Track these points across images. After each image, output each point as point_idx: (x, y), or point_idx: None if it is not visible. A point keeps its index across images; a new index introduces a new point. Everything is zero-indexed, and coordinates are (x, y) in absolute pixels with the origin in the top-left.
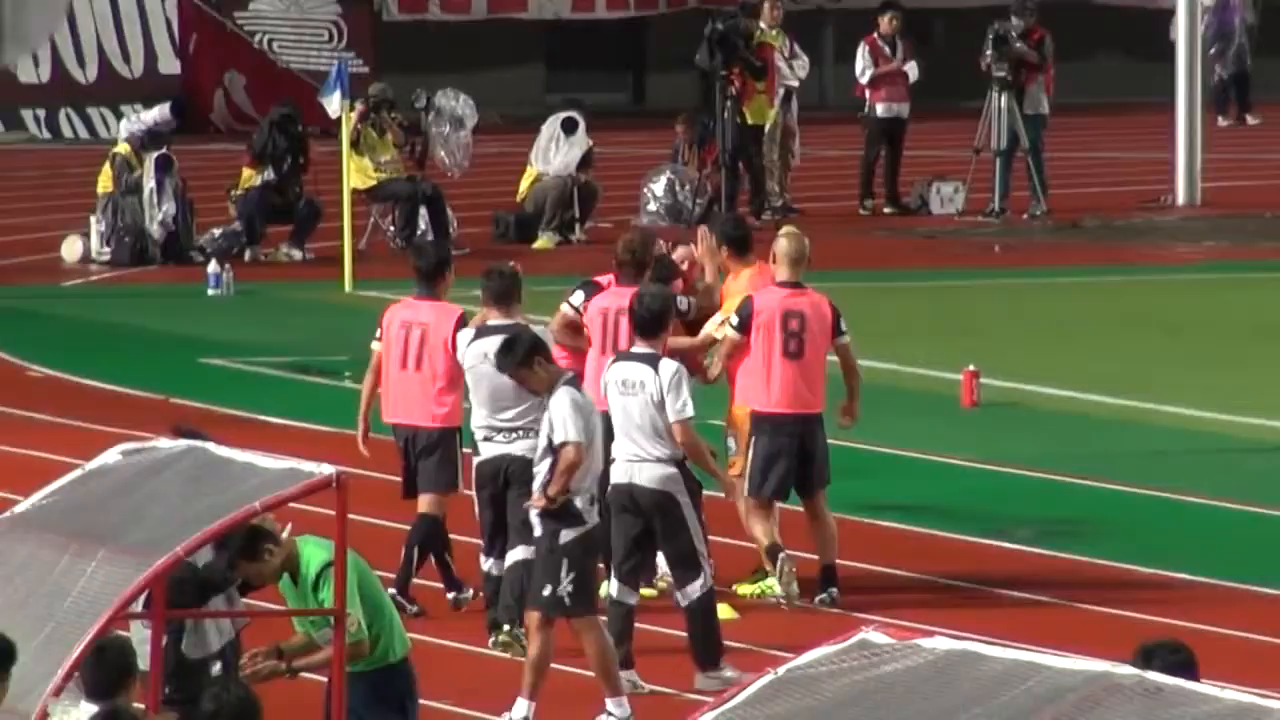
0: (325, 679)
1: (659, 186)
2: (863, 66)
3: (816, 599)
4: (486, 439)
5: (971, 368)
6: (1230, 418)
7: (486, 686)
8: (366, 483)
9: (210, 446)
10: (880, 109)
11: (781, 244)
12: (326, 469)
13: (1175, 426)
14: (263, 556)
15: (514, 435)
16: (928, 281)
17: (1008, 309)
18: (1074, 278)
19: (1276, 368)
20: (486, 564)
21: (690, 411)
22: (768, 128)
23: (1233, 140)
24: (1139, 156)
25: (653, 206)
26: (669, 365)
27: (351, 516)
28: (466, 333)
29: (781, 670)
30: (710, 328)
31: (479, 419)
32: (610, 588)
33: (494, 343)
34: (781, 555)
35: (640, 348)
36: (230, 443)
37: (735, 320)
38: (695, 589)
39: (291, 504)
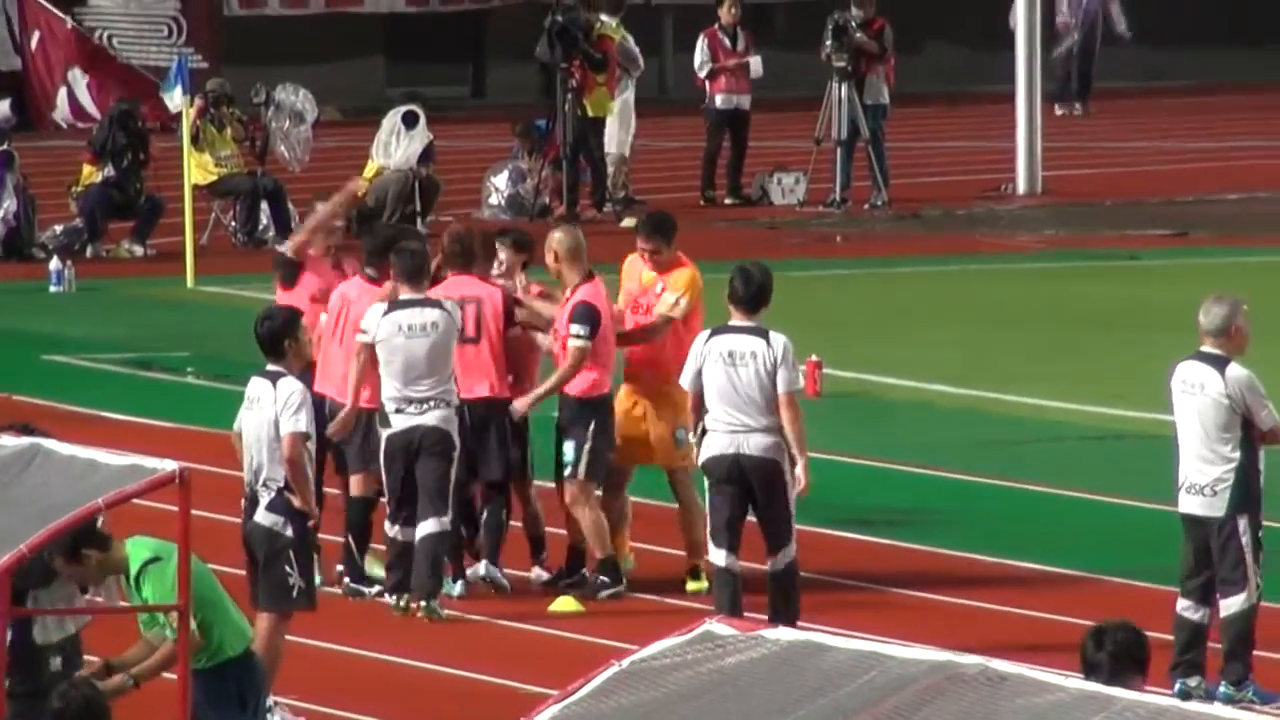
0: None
1: (500, 179)
2: (702, 59)
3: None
4: (398, 410)
5: (814, 358)
6: (1070, 406)
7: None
8: (209, 478)
9: (51, 443)
10: (720, 100)
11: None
12: (169, 465)
13: (1016, 415)
14: (80, 558)
15: (426, 406)
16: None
17: (850, 299)
18: (915, 267)
19: (1115, 356)
20: (392, 530)
21: (801, 383)
22: (608, 120)
23: (1071, 129)
24: (979, 146)
25: (494, 199)
26: (779, 337)
27: (195, 512)
28: (378, 307)
29: (626, 662)
30: (662, 308)
31: (391, 391)
32: (717, 557)
33: (407, 316)
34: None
35: (742, 320)
36: (72, 439)
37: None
38: (785, 557)
39: (135, 500)
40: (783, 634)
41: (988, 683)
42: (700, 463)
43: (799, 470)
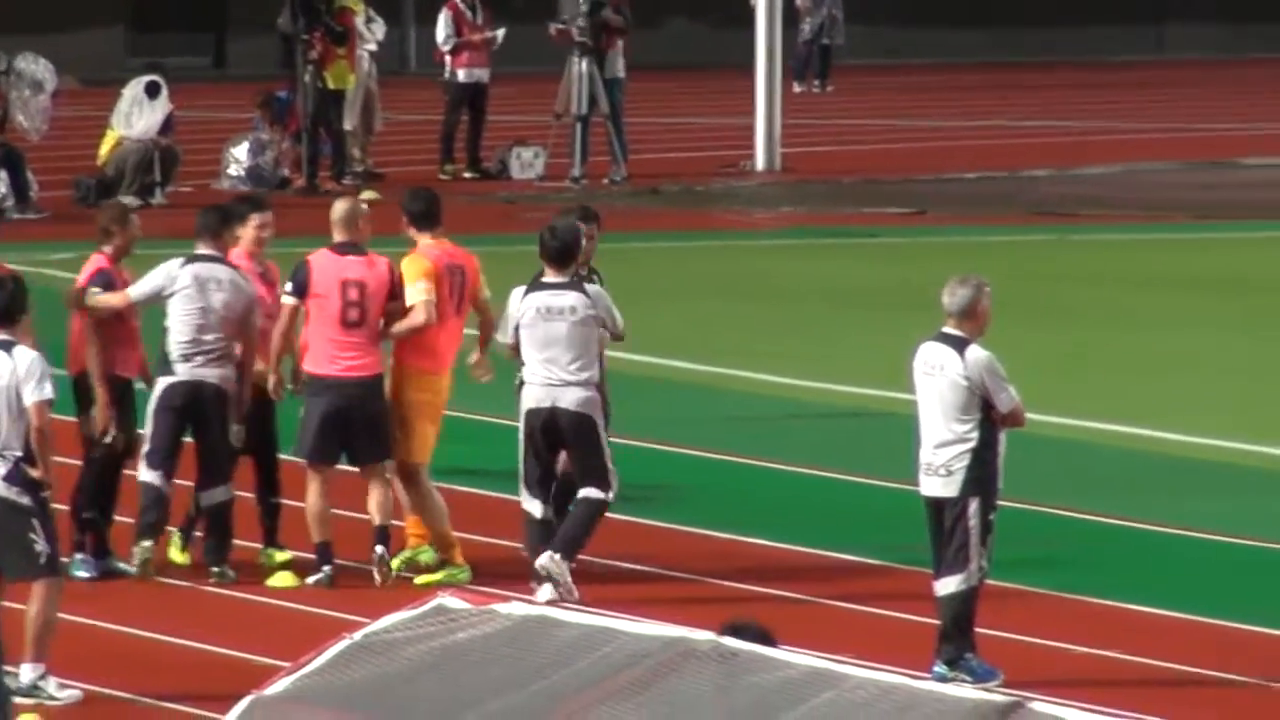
0: None
1: (240, 150)
2: (446, 33)
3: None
4: (185, 357)
5: None
6: (806, 383)
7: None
8: None
9: None
10: (462, 74)
11: (335, 207)
12: None
13: (752, 392)
14: None
15: (209, 359)
16: (508, 247)
17: None
18: (654, 243)
19: (851, 334)
20: (148, 475)
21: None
22: (348, 92)
23: (810, 107)
24: (719, 122)
25: (234, 170)
26: (594, 288)
27: None
28: (174, 262)
29: (358, 635)
30: (418, 296)
31: (181, 336)
32: (532, 507)
33: (207, 269)
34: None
35: (555, 276)
36: None
37: (290, 286)
38: (597, 495)
39: None
40: (515, 609)
41: (720, 659)
42: (521, 415)
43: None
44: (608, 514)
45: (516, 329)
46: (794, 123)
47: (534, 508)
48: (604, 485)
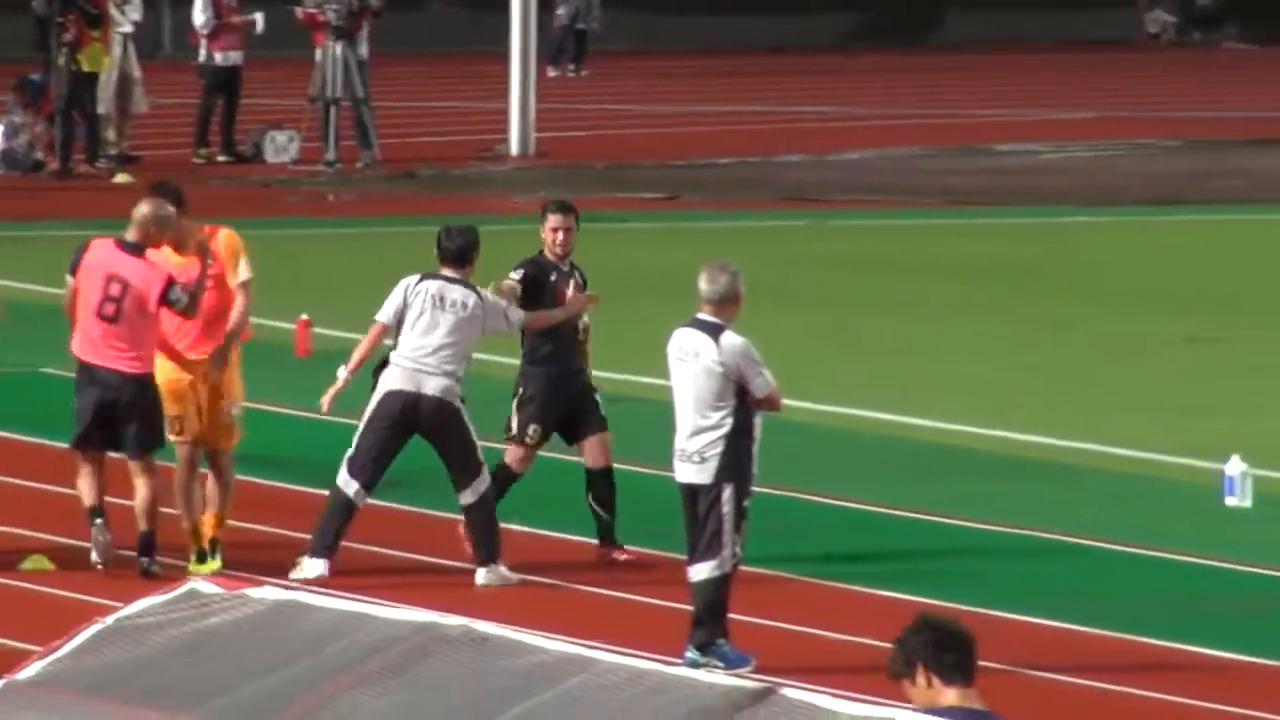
0: None
1: None
2: (205, 17)
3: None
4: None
5: (304, 317)
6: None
7: None
8: None
9: None
10: (219, 57)
11: (138, 206)
12: None
13: (502, 378)
14: None
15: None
16: (262, 230)
17: (342, 259)
18: (408, 227)
19: (603, 319)
20: None
21: (511, 323)
22: (103, 75)
23: (565, 91)
24: (474, 106)
25: None
26: (486, 293)
27: None
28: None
29: (110, 620)
30: (242, 276)
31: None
32: (349, 487)
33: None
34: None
35: (452, 272)
36: None
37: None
38: (479, 487)
39: None
40: (268, 593)
41: (471, 643)
42: (380, 394)
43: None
44: (376, 501)
45: (401, 310)
46: (549, 107)
47: (351, 489)
48: (480, 477)
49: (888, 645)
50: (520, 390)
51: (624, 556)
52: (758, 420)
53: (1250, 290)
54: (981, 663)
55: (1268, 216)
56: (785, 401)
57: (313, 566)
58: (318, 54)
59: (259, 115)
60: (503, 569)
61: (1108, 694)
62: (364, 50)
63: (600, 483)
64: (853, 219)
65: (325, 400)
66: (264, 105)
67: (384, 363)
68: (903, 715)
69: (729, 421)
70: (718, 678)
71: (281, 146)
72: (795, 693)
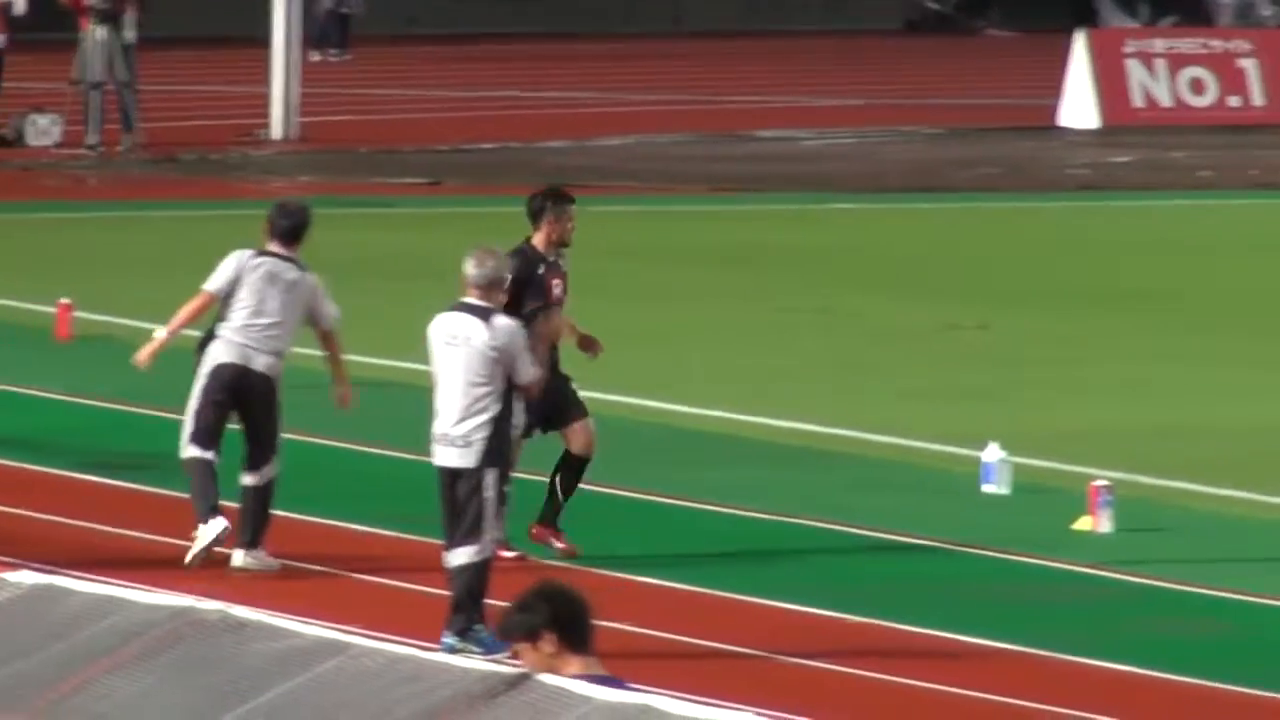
0: None
1: None
2: None
3: None
4: None
5: (65, 300)
6: (318, 354)
7: None
8: None
9: None
10: None
11: None
12: None
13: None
14: None
15: None
16: (22, 214)
17: (102, 242)
18: (170, 211)
19: (367, 304)
20: None
21: (337, 313)
22: None
23: (328, 75)
24: (237, 90)
25: None
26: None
27: None
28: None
29: None
30: None
31: None
32: (193, 451)
33: None
34: None
35: (281, 250)
36: None
37: None
38: (269, 473)
39: None
40: (25, 577)
41: (228, 628)
42: (210, 366)
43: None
44: (112, 480)
45: (233, 284)
46: (311, 91)
47: (207, 454)
48: (272, 463)
49: (646, 631)
50: None
51: (561, 545)
52: (518, 406)
53: (1010, 278)
54: (728, 648)
55: (1028, 204)
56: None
57: (213, 526)
58: (81, 37)
59: (21, 99)
60: (263, 554)
61: (860, 680)
62: (131, 34)
63: (574, 470)
64: (614, 205)
65: (143, 356)
66: (26, 89)
67: (209, 337)
68: (656, 701)
69: (495, 406)
70: (475, 663)
71: (43, 130)
72: (551, 679)
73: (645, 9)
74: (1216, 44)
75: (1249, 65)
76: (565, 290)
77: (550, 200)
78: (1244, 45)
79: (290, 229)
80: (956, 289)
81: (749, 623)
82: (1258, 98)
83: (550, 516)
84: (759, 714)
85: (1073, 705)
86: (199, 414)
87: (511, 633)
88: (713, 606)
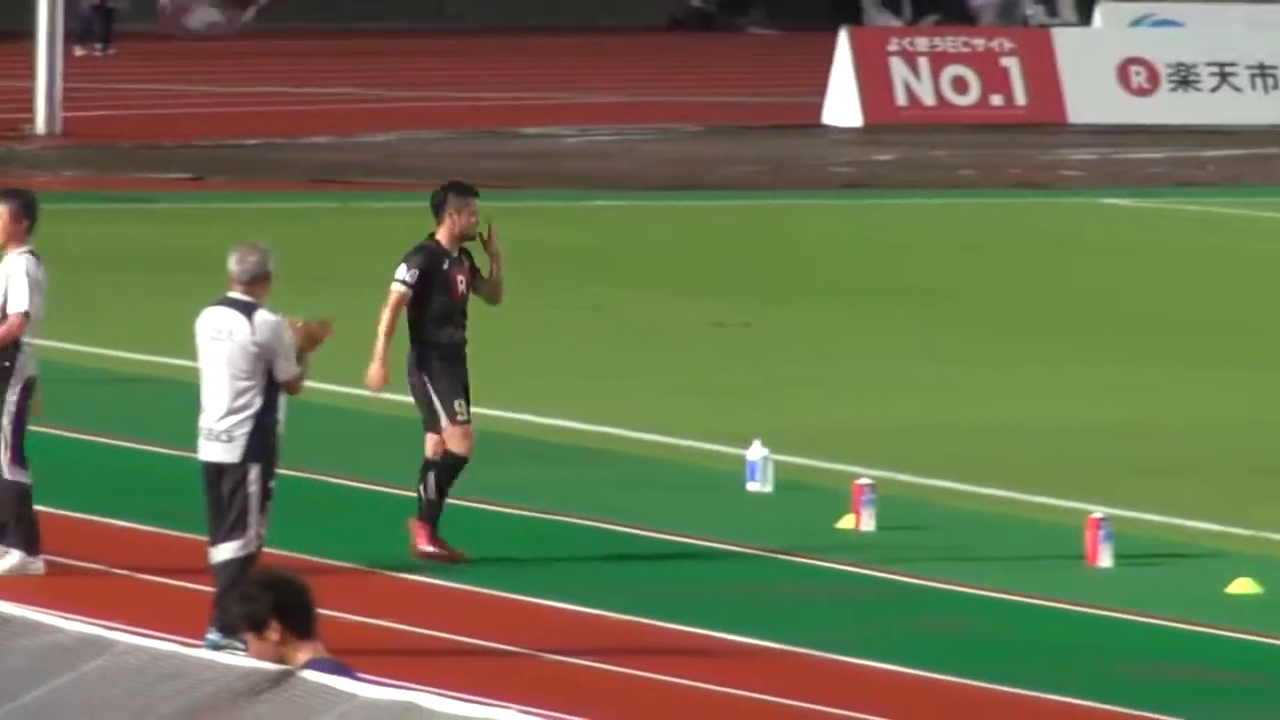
0: None
1: None
2: None
3: None
4: None
5: None
6: (82, 348)
7: None
8: None
9: None
10: None
11: None
12: None
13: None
14: None
15: None
16: None
17: None
18: None
19: (131, 299)
20: None
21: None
22: None
23: (93, 70)
24: (0, 85)
25: None
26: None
27: None
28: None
29: None
30: None
31: None
32: (19, 475)
33: None
34: None
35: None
36: None
37: None
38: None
39: None
40: None
41: None
42: (27, 376)
43: None
44: None
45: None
46: (76, 86)
47: (27, 477)
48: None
49: (411, 629)
50: (426, 378)
51: (432, 550)
52: (282, 401)
53: (774, 275)
54: (495, 645)
55: (791, 202)
56: (311, 384)
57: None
58: None
59: None
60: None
61: (627, 678)
62: None
63: (453, 471)
64: (377, 201)
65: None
66: None
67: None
68: (420, 698)
69: (258, 401)
70: (239, 660)
71: None
72: (314, 675)
73: (409, 3)
74: (979, 43)
75: (1011, 64)
76: (469, 286)
77: (452, 193)
78: (1007, 44)
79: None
80: (721, 287)
81: (515, 621)
82: (1020, 97)
83: (429, 516)
84: (524, 712)
85: (837, 704)
86: (16, 436)
87: (237, 625)
88: (479, 604)
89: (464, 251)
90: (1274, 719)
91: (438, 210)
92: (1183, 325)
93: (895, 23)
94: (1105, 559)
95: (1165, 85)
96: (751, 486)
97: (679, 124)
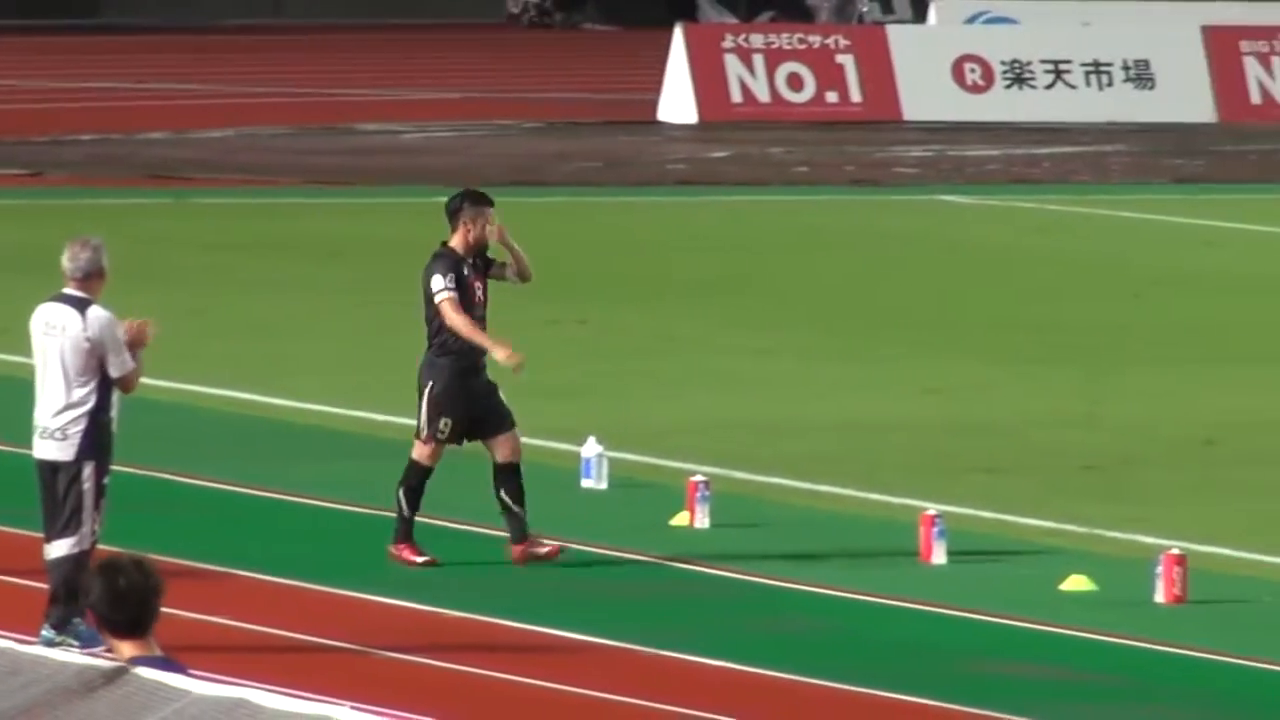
0: None
1: None
2: None
3: None
4: None
5: None
6: None
7: None
8: None
9: None
10: None
11: None
12: None
13: None
14: None
15: None
16: None
17: None
18: None
19: None
20: None
21: None
22: None
23: None
24: None
25: None
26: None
27: None
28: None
29: None
30: None
31: None
32: None
33: None
34: None
35: None
36: None
37: None
38: None
39: None
40: None
41: None
42: None
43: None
44: None
45: None
46: None
47: None
48: None
49: (242, 625)
50: (429, 385)
51: (545, 549)
52: (115, 398)
53: (609, 272)
54: (325, 642)
55: (626, 199)
56: (147, 381)
57: None
58: None
59: None
60: None
61: (458, 674)
62: None
63: (510, 477)
64: (213, 197)
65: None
66: None
67: None
68: (253, 695)
69: (92, 398)
70: (73, 657)
71: None
72: (148, 672)
73: None
74: (815, 40)
75: (847, 61)
76: (486, 293)
77: (468, 201)
78: (842, 41)
79: None
80: (556, 284)
81: (345, 617)
82: (855, 94)
83: (519, 534)
84: (355, 708)
85: (672, 701)
86: None
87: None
88: (308, 600)
89: (478, 258)
90: (1108, 714)
91: (452, 217)
92: (1016, 322)
93: (731, 19)
94: (939, 556)
95: (1000, 83)
96: (586, 484)
97: (515, 120)
